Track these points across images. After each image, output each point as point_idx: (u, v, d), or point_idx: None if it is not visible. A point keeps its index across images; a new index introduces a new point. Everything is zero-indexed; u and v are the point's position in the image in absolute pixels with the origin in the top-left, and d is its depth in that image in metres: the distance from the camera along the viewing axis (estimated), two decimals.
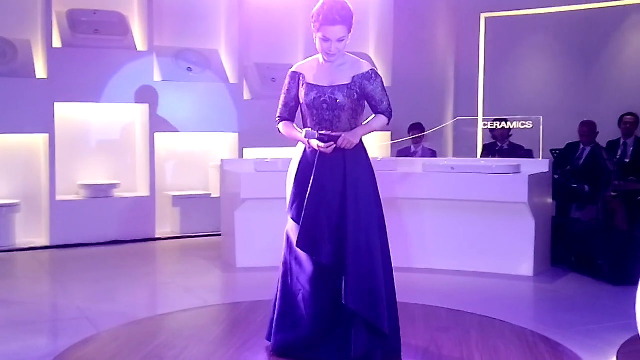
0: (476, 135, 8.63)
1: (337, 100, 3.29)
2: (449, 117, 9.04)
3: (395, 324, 3.40)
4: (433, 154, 7.84)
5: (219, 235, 6.73)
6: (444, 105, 9.26)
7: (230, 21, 8.02)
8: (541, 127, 6.19)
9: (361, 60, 3.45)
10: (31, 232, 7.20)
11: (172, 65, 7.74)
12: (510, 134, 7.37)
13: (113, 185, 7.38)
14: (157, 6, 7.57)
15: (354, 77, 3.34)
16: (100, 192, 7.27)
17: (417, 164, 6.20)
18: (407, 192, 5.86)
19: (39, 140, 7.21)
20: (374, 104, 3.41)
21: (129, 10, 7.67)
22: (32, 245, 6.95)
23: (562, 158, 7.28)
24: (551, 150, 7.23)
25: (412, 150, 7.83)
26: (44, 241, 7.09)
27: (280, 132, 3.48)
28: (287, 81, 3.45)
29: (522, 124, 6.46)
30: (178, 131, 7.73)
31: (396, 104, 9.56)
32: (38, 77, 7.09)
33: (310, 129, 3.27)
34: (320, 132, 3.25)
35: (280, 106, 3.48)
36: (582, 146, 7.28)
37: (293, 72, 3.44)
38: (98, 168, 7.59)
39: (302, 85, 3.35)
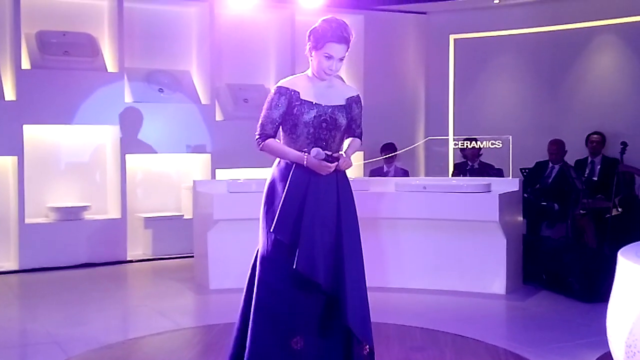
0: (447, 155, 8.71)
1: (337, 121, 3.27)
2: (420, 137, 9.12)
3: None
4: (405, 173, 7.89)
5: (192, 257, 6.68)
6: (415, 125, 9.34)
7: (201, 42, 8.02)
8: (510, 146, 6.28)
9: (347, 84, 3.50)
10: None
11: (143, 86, 7.70)
12: (481, 153, 7.46)
13: (83, 208, 7.30)
14: (127, 27, 7.54)
15: (347, 99, 3.35)
16: (70, 215, 7.18)
17: (390, 183, 6.24)
18: (379, 212, 5.88)
19: (8, 162, 7.11)
20: (353, 127, 3.40)
21: (99, 31, 7.64)
22: (1, 270, 6.83)
23: (531, 177, 7.38)
24: (521, 169, 7.33)
25: (385, 170, 7.87)
26: (12, 265, 6.97)
27: (264, 149, 3.29)
28: (274, 97, 3.27)
29: (492, 144, 6.55)
30: (149, 152, 7.69)
31: (368, 125, 9.58)
32: (7, 99, 7.01)
33: (320, 149, 3.16)
34: (326, 152, 3.18)
35: (263, 122, 3.28)
36: (551, 165, 7.39)
37: (284, 87, 3.28)
38: (68, 190, 7.50)
39: (297, 102, 3.25)
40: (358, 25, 8.83)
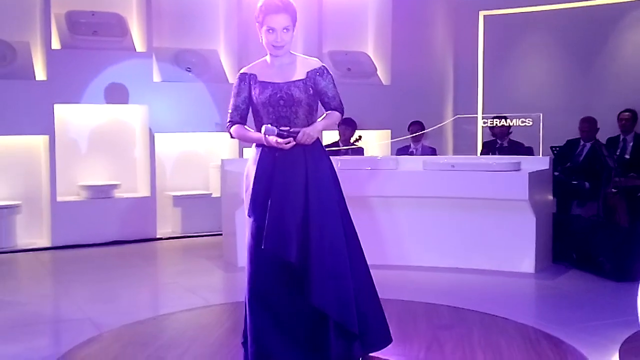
0: (476, 133, 8.63)
1: (294, 96, 3.25)
2: (449, 115, 9.05)
3: (381, 320, 3.35)
4: (433, 151, 7.83)
5: (220, 234, 6.73)
6: (444, 103, 9.26)
7: (228, 21, 8.02)
8: (541, 124, 6.20)
9: (310, 57, 3.46)
10: (32, 233, 7.21)
11: (171, 66, 7.74)
12: (510, 131, 7.37)
13: (114, 186, 7.39)
14: (155, 7, 7.57)
15: (308, 72, 3.33)
16: (100, 193, 7.28)
17: (418, 162, 6.20)
18: (408, 190, 5.86)
19: (39, 141, 7.22)
20: (326, 101, 3.38)
21: (127, 11, 7.67)
22: (34, 247, 6.96)
23: (562, 155, 7.28)
24: (551, 147, 7.24)
25: (411, 149, 7.83)
26: (45, 242, 7.10)
27: (232, 136, 3.43)
28: (236, 84, 3.38)
29: (522, 122, 6.47)
30: (178, 131, 7.74)
31: (395, 103, 9.58)
32: (37, 79, 7.10)
33: (270, 125, 3.19)
34: (280, 128, 3.18)
35: (230, 110, 3.39)
36: (582, 143, 7.29)
37: (242, 73, 3.37)
38: (98, 169, 7.59)
39: (255, 84, 3.30)
40: (386, 3, 8.77)
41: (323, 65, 3.40)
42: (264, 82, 3.29)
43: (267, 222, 3.16)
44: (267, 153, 3.25)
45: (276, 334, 3.19)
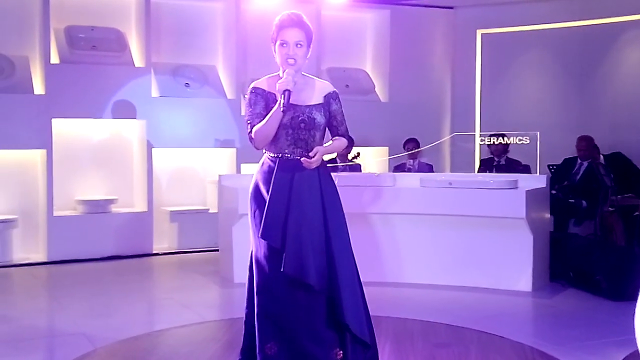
0: (473, 151, 8.65)
1: (316, 120, 3.22)
2: (446, 133, 9.07)
3: (372, 335, 3.34)
4: (430, 168, 7.84)
5: (217, 250, 6.71)
6: (441, 120, 9.28)
7: (227, 37, 8.05)
8: (538, 142, 6.21)
9: (321, 79, 3.43)
10: (28, 248, 7.17)
11: (169, 81, 7.76)
12: (508, 149, 7.39)
13: (110, 201, 7.38)
14: (154, 23, 7.60)
15: (325, 96, 3.31)
16: (97, 208, 7.26)
17: (415, 179, 6.20)
18: (405, 207, 5.86)
19: (37, 155, 7.21)
20: (334, 124, 3.35)
21: (126, 26, 7.70)
22: (30, 261, 6.93)
23: (559, 173, 7.30)
24: (548, 166, 7.25)
25: (408, 166, 7.83)
26: (41, 257, 7.07)
27: (255, 139, 3.18)
28: (251, 96, 3.26)
29: (519, 140, 6.48)
30: (176, 146, 7.74)
31: (393, 120, 9.60)
32: (36, 93, 7.11)
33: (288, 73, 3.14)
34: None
35: (251, 120, 3.21)
36: (579, 161, 7.30)
37: (259, 88, 3.28)
38: (96, 184, 7.58)
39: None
40: (384, 20, 8.81)
41: (335, 90, 3.39)
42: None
43: (287, 246, 3.11)
44: (284, 174, 3.18)
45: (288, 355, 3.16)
